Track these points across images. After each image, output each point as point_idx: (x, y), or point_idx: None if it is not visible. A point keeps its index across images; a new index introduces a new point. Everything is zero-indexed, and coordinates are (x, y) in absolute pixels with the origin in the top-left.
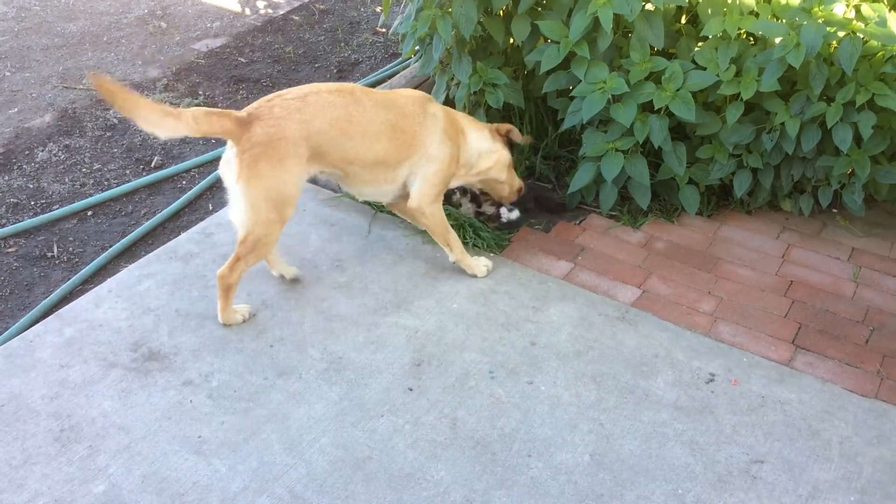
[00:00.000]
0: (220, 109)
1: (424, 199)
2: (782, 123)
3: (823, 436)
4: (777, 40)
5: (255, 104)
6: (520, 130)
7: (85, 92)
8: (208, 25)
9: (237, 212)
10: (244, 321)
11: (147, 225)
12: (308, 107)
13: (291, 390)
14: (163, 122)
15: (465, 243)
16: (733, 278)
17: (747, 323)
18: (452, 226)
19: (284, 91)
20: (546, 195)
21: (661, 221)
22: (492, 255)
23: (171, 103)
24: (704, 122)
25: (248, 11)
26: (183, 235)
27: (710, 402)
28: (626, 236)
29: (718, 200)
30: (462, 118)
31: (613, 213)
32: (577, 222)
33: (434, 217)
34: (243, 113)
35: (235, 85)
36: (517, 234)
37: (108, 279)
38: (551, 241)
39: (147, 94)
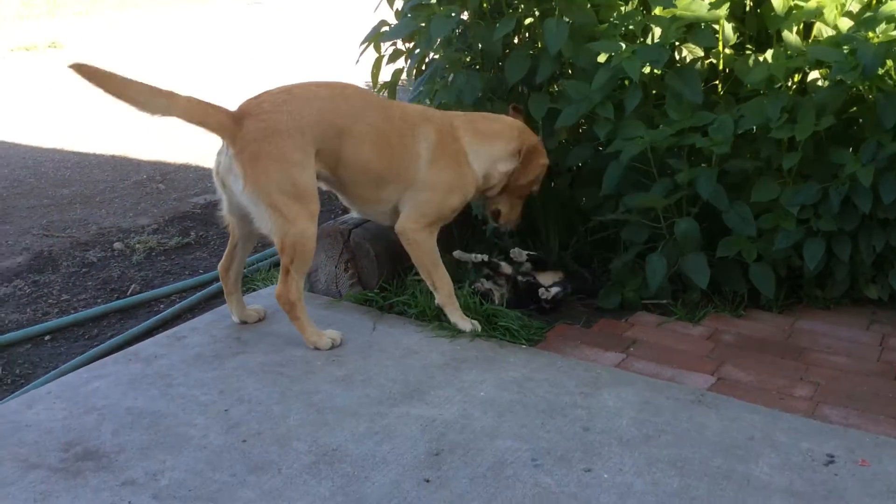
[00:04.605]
0: (214, 103)
1: (409, 223)
2: (852, 176)
3: None
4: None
5: (243, 102)
6: (546, 230)
7: (67, 239)
8: (209, 185)
9: (260, 220)
10: (333, 347)
11: (111, 342)
12: (294, 98)
13: (266, 487)
14: (152, 101)
15: (489, 334)
16: (827, 366)
17: (859, 406)
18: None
19: (273, 88)
20: (581, 277)
21: (725, 315)
22: (523, 346)
23: (160, 242)
24: (760, 183)
25: None
26: (147, 340)
27: (836, 486)
28: (685, 330)
29: (787, 295)
30: (464, 134)
31: (663, 303)
32: (624, 319)
33: (421, 247)
34: (235, 111)
35: None
36: (553, 329)
37: (51, 382)
38: (595, 335)
39: (135, 236)
